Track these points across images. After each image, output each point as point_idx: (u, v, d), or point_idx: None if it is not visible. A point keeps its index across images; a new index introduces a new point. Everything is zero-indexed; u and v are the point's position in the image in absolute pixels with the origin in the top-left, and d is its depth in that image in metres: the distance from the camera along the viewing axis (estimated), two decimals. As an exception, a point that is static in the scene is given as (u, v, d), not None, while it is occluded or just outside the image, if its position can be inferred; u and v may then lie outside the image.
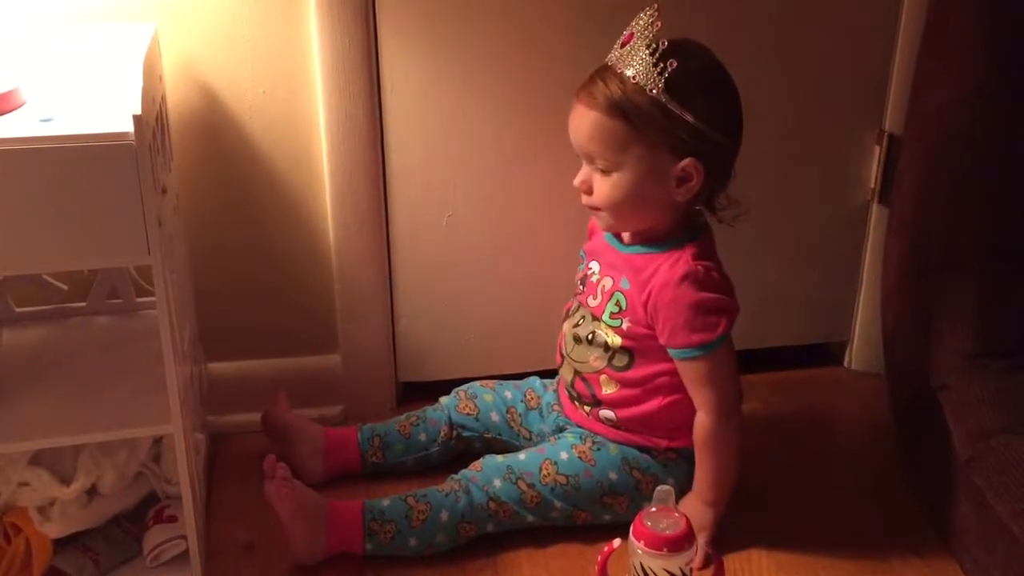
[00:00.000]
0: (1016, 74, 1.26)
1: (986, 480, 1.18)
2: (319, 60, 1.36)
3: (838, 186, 1.60)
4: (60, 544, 1.17)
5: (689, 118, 1.14)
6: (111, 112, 1.05)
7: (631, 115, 1.15)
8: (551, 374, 1.42)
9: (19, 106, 1.08)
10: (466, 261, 1.52)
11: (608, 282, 1.27)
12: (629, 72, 1.14)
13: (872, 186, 1.59)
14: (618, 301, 1.25)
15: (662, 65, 1.13)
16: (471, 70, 1.42)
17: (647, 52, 1.13)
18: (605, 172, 1.19)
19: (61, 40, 1.25)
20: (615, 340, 1.25)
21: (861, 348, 1.68)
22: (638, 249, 1.25)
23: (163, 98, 1.27)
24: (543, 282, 1.50)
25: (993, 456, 1.19)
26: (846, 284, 1.66)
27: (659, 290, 1.20)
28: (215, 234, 1.44)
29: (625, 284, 1.24)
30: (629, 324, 1.24)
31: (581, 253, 1.35)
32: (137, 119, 0.99)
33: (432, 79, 1.41)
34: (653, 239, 1.24)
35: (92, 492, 1.19)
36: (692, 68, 1.14)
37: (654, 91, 1.13)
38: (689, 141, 1.15)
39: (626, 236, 1.27)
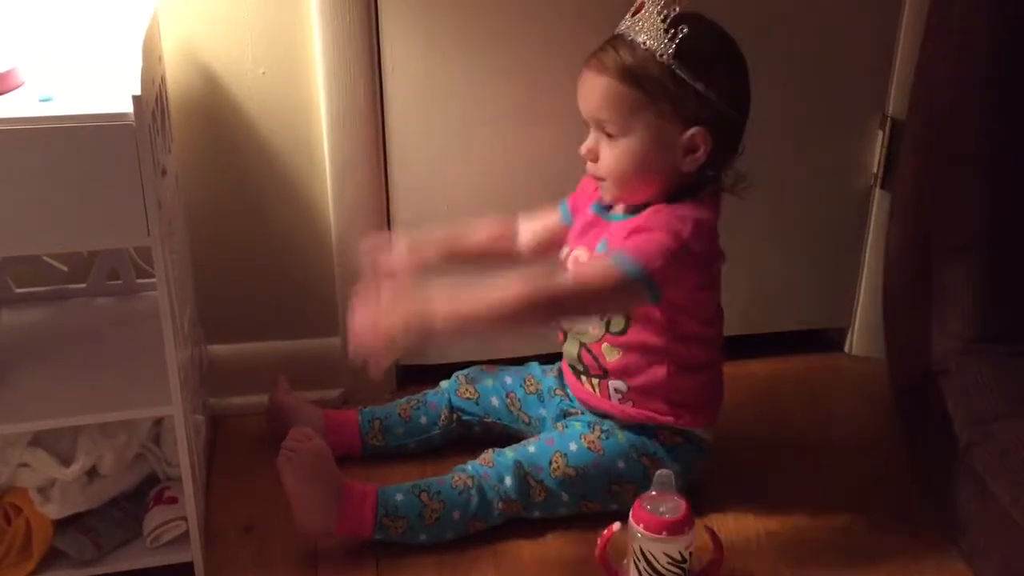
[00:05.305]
0: (1019, 59, 1.26)
1: (986, 465, 1.18)
2: (319, 41, 1.36)
3: (840, 171, 1.59)
4: (60, 525, 1.17)
5: (699, 86, 1.14)
6: (111, 92, 1.04)
7: (642, 81, 1.15)
8: (550, 360, 1.42)
9: (18, 86, 1.07)
10: (467, 245, 1.51)
11: (583, 253, 1.25)
12: (640, 39, 1.14)
13: (874, 171, 1.59)
14: None
15: (673, 31, 1.13)
16: (473, 52, 1.41)
17: (659, 19, 1.14)
18: (613, 138, 1.19)
19: (60, 19, 1.24)
20: None
21: (861, 333, 1.68)
22: (627, 216, 1.23)
23: (163, 79, 1.26)
24: (544, 266, 1.50)
25: (993, 441, 1.19)
26: (847, 269, 1.66)
27: (648, 215, 1.18)
28: (215, 216, 1.44)
29: (602, 248, 1.23)
30: None
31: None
32: (137, 99, 0.98)
33: (434, 61, 1.40)
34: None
35: (92, 473, 1.18)
36: (703, 37, 1.15)
37: (664, 57, 1.14)
38: (698, 110, 1.15)
39: (618, 208, 1.26)
